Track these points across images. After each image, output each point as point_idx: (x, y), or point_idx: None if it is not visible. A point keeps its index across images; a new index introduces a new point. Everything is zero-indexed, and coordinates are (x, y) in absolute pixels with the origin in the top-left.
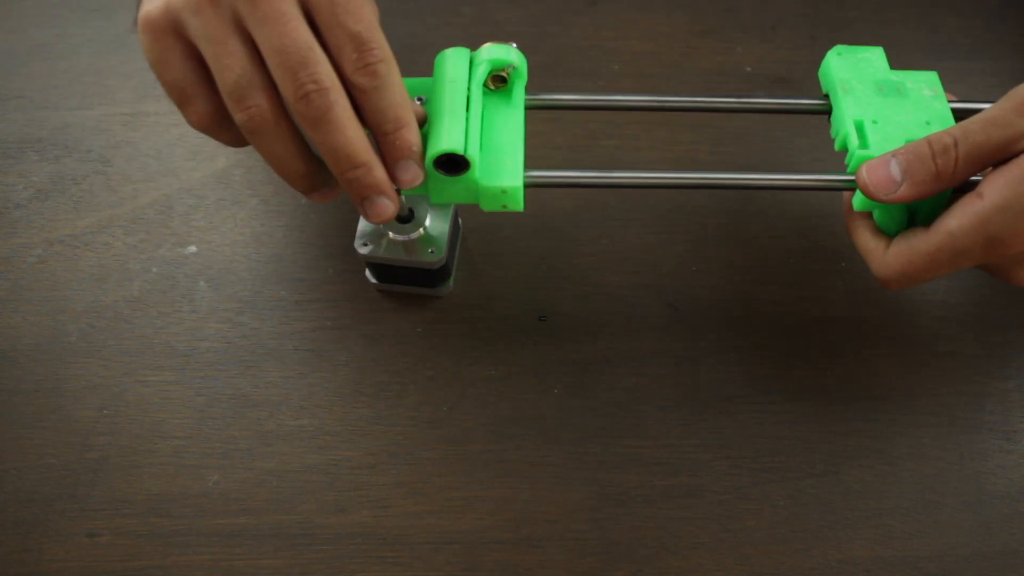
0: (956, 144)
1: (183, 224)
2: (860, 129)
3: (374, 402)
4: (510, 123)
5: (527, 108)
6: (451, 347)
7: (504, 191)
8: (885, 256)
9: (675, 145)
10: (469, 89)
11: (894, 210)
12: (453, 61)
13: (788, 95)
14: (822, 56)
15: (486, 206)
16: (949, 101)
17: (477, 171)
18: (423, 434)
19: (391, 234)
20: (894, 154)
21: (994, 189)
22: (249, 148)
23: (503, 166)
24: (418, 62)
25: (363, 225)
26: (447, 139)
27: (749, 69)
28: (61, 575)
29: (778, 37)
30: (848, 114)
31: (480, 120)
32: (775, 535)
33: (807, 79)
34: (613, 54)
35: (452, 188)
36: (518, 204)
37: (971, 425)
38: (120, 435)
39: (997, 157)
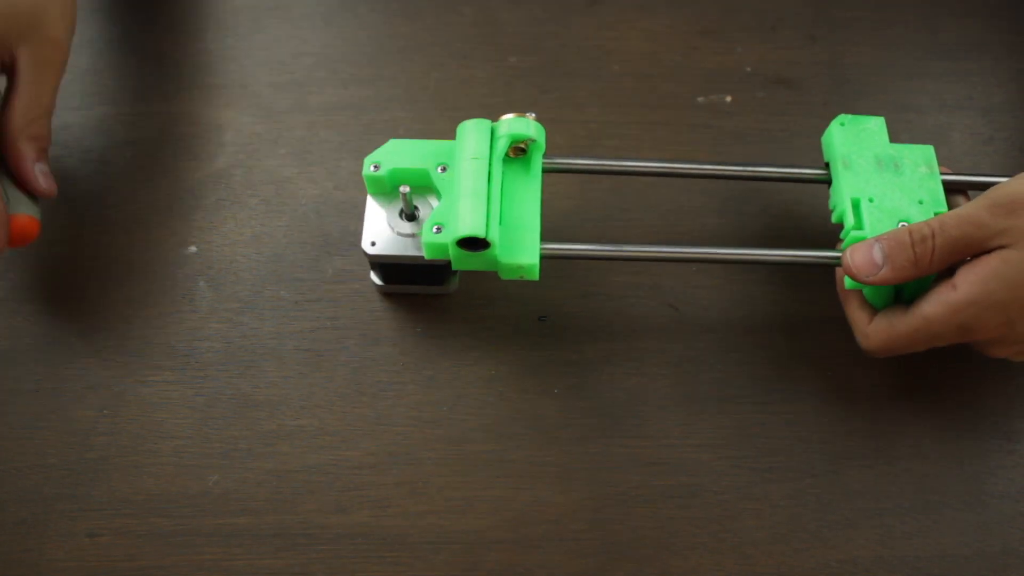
0: (933, 235)
1: (183, 224)
2: (856, 208)
3: (374, 402)
4: (528, 193)
5: (544, 171)
6: (451, 347)
7: (522, 266)
8: (867, 328)
9: (675, 145)
10: (490, 164)
11: (881, 288)
12: (475, 136)
13: (791, 164)
14: (822, 56)
15: (504, 276)
16: (943, 174)
17: (497, 250)
18: (423, 434)
19: (398, 232)
20: (878, 239)
21: (966, 282)
22: (249, 148)
23: (521, 242)
24: (418, 61)
25: (369, 225)
26: (471, 223)
27: (749, 69)
28: (61, 575)
29: (778, 37)
30: (846, 191)
31: (500, 192)
32: (775, 535)
33: (807, 79)
34: (613, 54)
35: (473, 260)
36: (534, 275)
37: (971, 425)
38: (120, 435)
39: (972, 251)
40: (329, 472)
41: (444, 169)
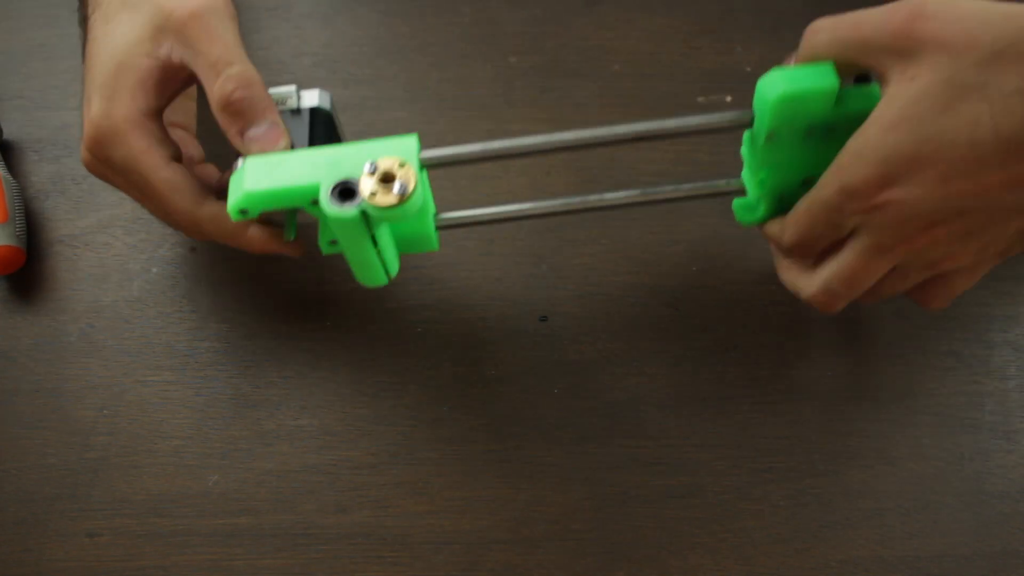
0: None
1: None
2: (766, 196)
3: (374, 402)
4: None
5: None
6: (451, 347)
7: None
8: (781, 236)
9: (675, 145)
10: (370, 229)
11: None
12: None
13: (706, 111)
14: None
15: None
16: None
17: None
18: (423, 434)
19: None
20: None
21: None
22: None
23: (417, 244)
24: (418, 62)
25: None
26: (371, 282)
27: (749, 69)
28: (61, 575)
29: (778, 37)
30: (757, 173)
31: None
32: (775, 535)
33: None
34: (613, 54)
35: None
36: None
37: (971, 425)
38: (120, 435)
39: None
40: (329, 472)
41: (316, 202)
